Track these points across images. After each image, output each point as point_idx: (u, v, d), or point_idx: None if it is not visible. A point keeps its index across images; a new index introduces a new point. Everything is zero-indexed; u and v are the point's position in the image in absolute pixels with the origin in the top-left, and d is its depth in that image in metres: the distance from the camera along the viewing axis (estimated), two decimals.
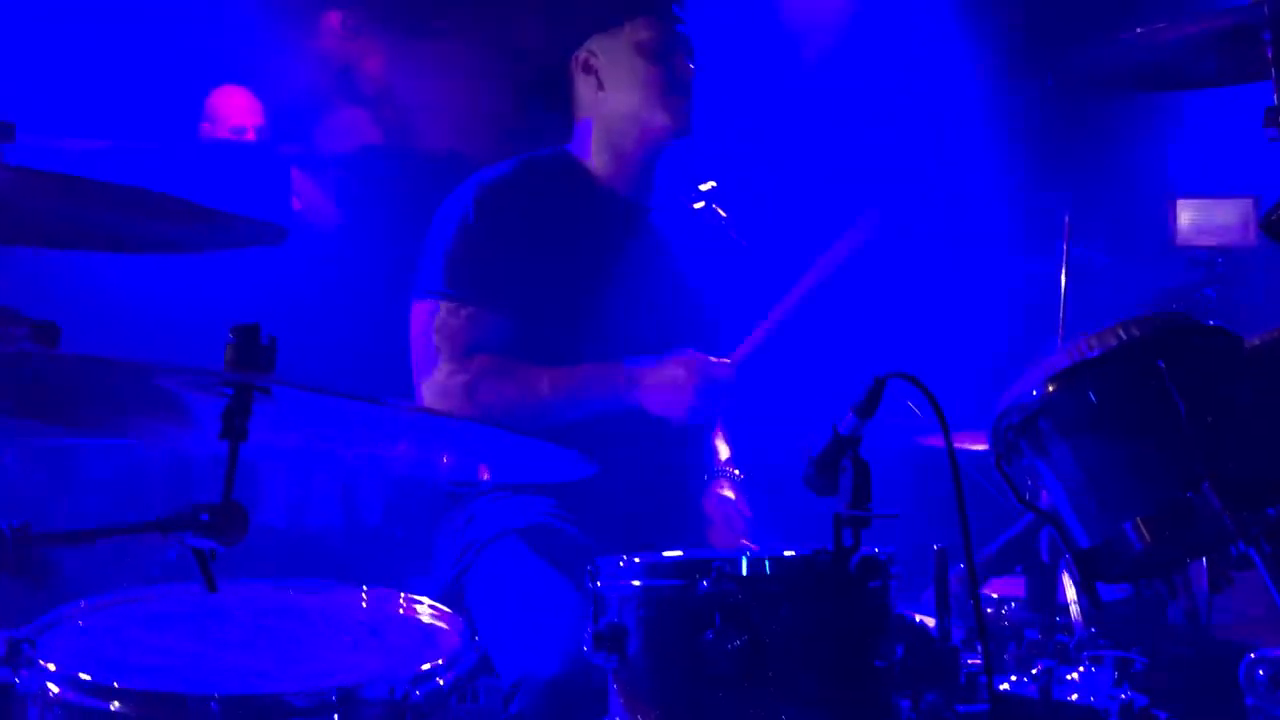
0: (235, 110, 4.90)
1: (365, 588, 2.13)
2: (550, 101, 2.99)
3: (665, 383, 2.65)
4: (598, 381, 2.69)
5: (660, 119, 2.85)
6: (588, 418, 2.64)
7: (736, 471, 3.05)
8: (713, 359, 2.70)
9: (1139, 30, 2.11)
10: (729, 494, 2.97)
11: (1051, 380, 1.77)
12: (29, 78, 3.86)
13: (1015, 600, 2.50)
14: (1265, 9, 2.03)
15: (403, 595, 2.08)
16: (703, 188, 3.21)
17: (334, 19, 5.13)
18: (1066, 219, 2.91)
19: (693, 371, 2.65)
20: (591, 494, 2.39)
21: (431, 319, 2.73)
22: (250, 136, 4.86)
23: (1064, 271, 2.85)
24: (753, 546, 2.72)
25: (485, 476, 2.51)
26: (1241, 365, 1.78)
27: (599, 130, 2.91)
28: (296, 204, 4.78)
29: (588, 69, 2.89)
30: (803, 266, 2.85)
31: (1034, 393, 1.79)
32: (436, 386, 2.70)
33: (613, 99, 2.87)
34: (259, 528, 1.60)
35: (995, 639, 2.45)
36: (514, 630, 2.39)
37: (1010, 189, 4.66)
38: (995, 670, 1.85)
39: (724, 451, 3.08)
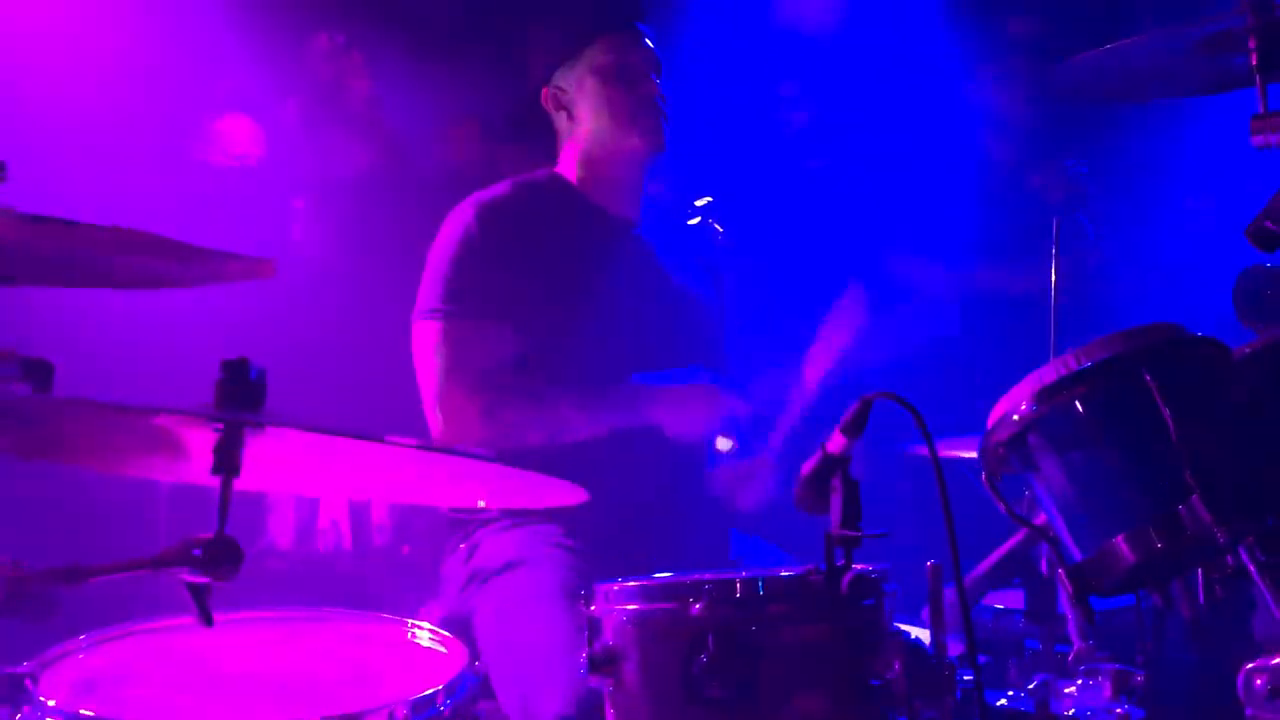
0: (238, 138, 4.93)
1: (366, 614, 2.15)
2: (538, 134, 3.01)
3: (687, 406, 2.67)
4: (621, 400, 2.69)
5: (632, 140, 2.86)
6: (598, 438, 2.64)
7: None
8: (733, 394, 2.72)
9: (1124, 41, 2.10)
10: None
11: (1038, 395, 1.77)
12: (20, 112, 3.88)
13: (1016, 612, 2.50)
14: (1249, 17, 2.03)
15: (406, 621, 2.09)
16: (698, 203, 3.21)
17: (321, 41, 5.14)
18: (1055, 223, 2.90)
19: (716, 401, 2.68)
20: (594, 517, 2.38)
21: (437, 337, 2.70)
22: (251, 164, 4.88)
23: (1053, 275, 2.84)
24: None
25: (483, 505, 2.51)
26: (1230, 375, 1.78)
27: (579, 156, 2.93)
28: (295, 232, 4.80)
29: (558, 104, 2.93)
30: (805, 337, 2.86)
31: (1022, 407, 1.79)
32: (452, 407, 2.66)
33: (585, 127, 2.90)
34: (267, 550, 1.61)
35: (997, 651, 2.45)
36: (518, 669, 2.37)
37: (1001, 192, 4.67)
38: (996, 684, 1.85)
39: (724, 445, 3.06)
